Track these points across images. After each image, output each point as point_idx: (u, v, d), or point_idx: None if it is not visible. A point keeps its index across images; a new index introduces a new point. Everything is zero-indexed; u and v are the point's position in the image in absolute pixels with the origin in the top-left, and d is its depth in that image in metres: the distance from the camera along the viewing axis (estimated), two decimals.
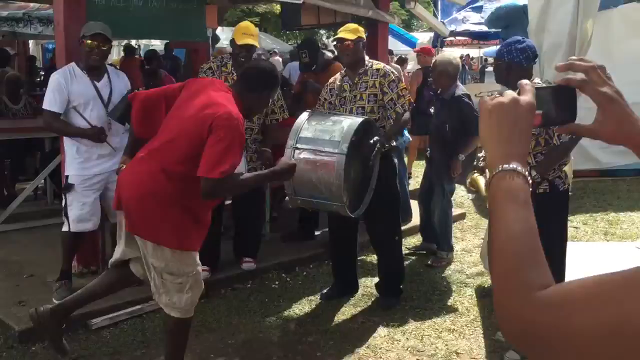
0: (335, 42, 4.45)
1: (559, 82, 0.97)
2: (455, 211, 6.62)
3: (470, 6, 10.89)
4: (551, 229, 3.39)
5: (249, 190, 3.37)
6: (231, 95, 2.94)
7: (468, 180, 3.68)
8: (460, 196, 7.47)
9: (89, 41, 3.88)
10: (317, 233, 5.49)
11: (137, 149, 3.02)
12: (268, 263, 4.84)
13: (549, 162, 3.36)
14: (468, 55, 19.11)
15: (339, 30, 4.25)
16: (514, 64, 3.34)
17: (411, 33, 19.19)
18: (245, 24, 4.69)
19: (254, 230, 4.83)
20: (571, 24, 3.89)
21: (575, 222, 6.00)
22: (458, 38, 12.56)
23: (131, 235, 2.91)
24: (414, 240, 5.63)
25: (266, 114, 4.56)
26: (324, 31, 18.07)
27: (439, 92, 5.09)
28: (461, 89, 4.99)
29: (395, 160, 4.43)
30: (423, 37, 17.26)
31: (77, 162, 4.03)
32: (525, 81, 0.93)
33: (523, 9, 8.35)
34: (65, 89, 3.91)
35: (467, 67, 13.41)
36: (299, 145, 3.68)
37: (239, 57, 4.37)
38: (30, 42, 13.72)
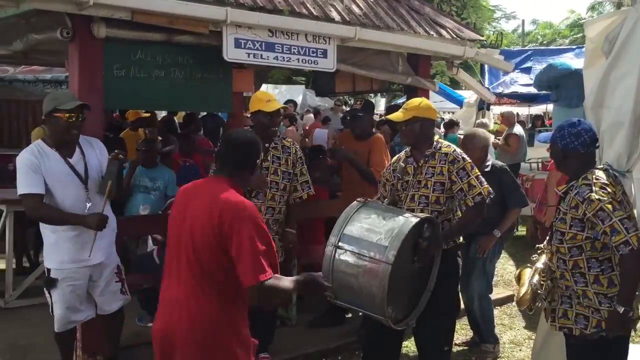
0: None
1: None
2: (503, 292, 6.05)
3: (519, 67, 10.48)
4: None
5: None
6: (224, 182, 2.56)
7: (516, 274, 3.26)
8: (510, 272, 6.85)
9: (67, 115, 3.33)
10: (348, 316, 5.04)
11: None
12: (290, 355, 4.37)
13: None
14: (517, 114, 18.50)
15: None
16: (569, 151, 2.88)
17: (458, 91, 18.82)
18: (261, 92, 4.41)
19: (267, 318, 4.18)
20: (635, 101, 3.39)
21: None
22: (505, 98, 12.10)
23: None
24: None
25: (289, 192, 4.19)
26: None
27: None
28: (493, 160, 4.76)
29: (460, 260, 3.85)
30: (470, 95, 16.85)
31: (57, 254, 3.45)
32: None
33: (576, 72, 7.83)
34: (40, 167, 3.33)
35: None
36: (341, 244, 3.20)
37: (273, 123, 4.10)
38: None
